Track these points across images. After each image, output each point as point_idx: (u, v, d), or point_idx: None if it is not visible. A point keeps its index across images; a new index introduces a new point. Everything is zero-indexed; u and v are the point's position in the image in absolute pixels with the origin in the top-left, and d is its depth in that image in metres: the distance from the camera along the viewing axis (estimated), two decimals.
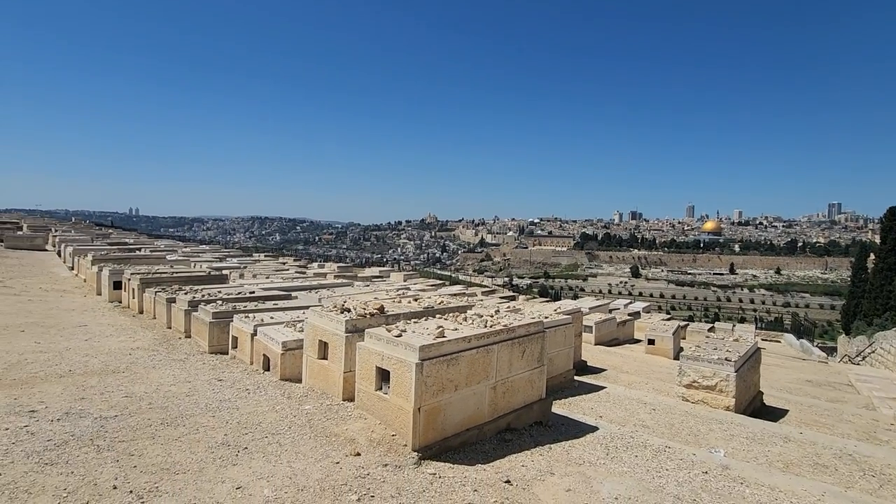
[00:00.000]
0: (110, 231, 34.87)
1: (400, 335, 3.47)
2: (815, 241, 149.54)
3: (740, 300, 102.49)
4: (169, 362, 5.30)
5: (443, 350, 3.34)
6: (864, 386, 9.86)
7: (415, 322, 3.96)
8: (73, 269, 14.01)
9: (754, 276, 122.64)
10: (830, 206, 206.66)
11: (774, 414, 6.36)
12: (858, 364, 16.31)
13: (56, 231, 24.60)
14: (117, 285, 9.43)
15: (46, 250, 20.27)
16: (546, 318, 5.97)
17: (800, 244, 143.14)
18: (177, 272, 9.94)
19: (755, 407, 6.27)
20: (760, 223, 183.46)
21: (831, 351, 25.99)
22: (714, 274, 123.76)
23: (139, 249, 17.65)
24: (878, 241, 37.12)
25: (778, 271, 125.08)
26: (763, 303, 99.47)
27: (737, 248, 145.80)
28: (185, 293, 7.32)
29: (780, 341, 19.92)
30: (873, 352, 16.19)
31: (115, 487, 2.57)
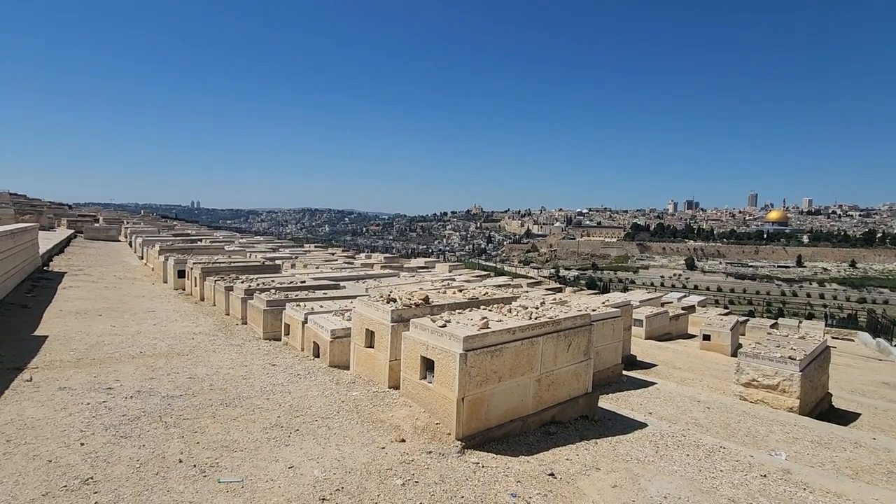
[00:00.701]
0: (174, 223, 37.27)
1: (444, 325, 3.50)
2: None
3: (808, 295, 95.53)
4: (227, 347, 5.62)
5: (486, 341, 3.34)
6: None
7: (459, 313, 3.98)
8: (142, 258, 15.09)
9: (825, 269, 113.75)
10: None
11: (844, 417, 5.92)
12: None
13: (127, 223, 26.56)
14: (181, 274, 10.08)
15: (119, 241, 21.94)
16: (593, 310, 5.84)
17: (879, 235, 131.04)
18: (234, 262, 10.48)
19: (822, 409, 5.86)
20: (833, 212, 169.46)
21: None
22: (779, 267, 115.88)
23: (200, 240, 18.75)
24: None
25: (853, 264, 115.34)
26: (835, 298, 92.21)
27: (805, 238, 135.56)
28: (242, 282, 7.71)
29: (853, 340, 18.44)
30: None
31: (180, 461, 2.77)
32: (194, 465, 2.73)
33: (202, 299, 8.84)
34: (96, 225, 24.55)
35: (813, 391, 5.57)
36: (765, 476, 3.20)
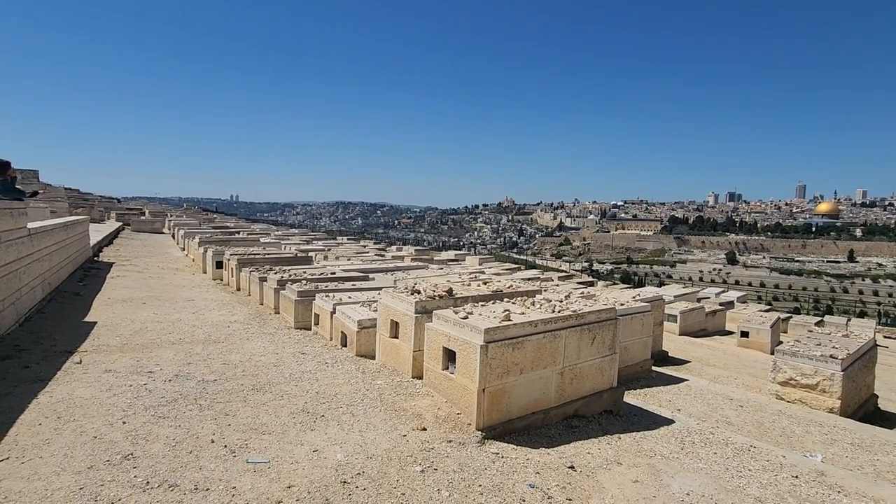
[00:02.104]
0: (214, 216, 38.71)
1: (466, 317, 3.52)
2: None
3: (860, 292, 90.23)
4: (260, 335, 5.83)
5: (508, 333, 3.35)
6: None
7: (482, 305, 4.00)
8: (184, 249, 15.78)
9: (879, 264, 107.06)
10: None
11: (891, 420, 5.62)
12: None
13: (171, 216, 27.78)
14: (219, 265, 10.49)
15: (163, 233, 23.00)
16: (622, 305, 5.75)
17: None
18: (268, 254, 10.83)
19: (866, 411, 5.58)
20: (890, 204, 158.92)
21: None
22: (828, 262, 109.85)
23: (238, 232, 19.43)
24: None
25: None
26: (890, 296, 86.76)
27: (858, 232, 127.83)
28: (275, 273, 7.96)
29: None
30: None
31: (212, 441, 2.92)
32: (225, 446, 2.87)
33: (238, 289, 9.18)
34: (142, 218, 25.81)
35: (856, 392, 5.30)
36: (796, 477, 3.09)
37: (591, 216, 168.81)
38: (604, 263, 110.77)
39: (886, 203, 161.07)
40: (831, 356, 5.05)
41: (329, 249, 17.13)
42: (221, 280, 10.26)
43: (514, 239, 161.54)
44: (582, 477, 2.89)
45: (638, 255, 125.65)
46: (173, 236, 19.97)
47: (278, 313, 7.12)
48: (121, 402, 3.47)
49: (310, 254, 13.63)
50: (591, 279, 24.73)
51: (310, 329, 6.25)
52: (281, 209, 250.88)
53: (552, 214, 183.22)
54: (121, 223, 23.75)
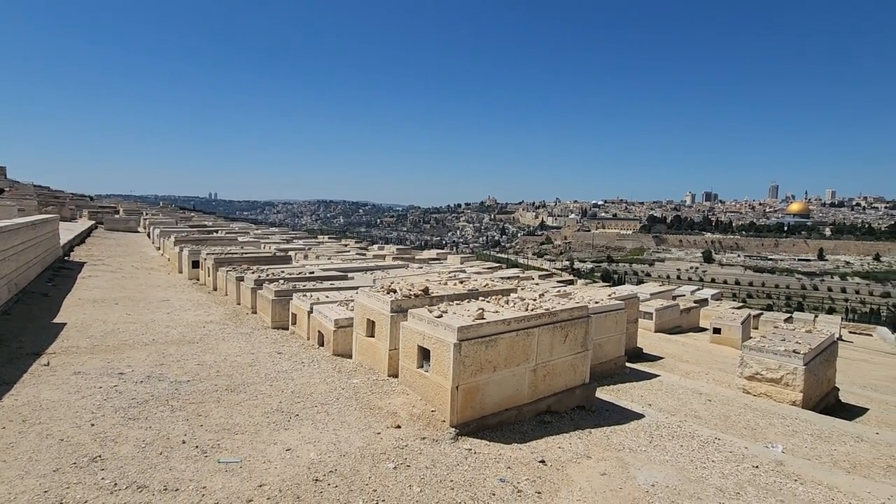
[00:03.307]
0: (192, 214, 37.96)
1: (440, 316, 3.57)
2: None
3: (829, 289, 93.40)
4: (236, 335, 5.78)
5: (481, 332, 3.40)
6: None
7: (457, 304, 4.05)
8: (159, 249, 15.46)
9: (847, 262, 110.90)
10: None
11: (851, 412, 5.86)
12: None
13: (146, 214, 27.16)
14: (195, 264, 10.31)
15: (138, 232, 22.46)
16: (596, 303, 5.86)
17: None
18: (246, 253, 10.69)
19: (828, 404, 5.82)
20: (857, 204, 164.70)
21: None
22: (799, 260, 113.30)
23: (216, 231, 19.12)
24: None
25: (877, 258, 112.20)
26: (857, 292, 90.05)
27: (827, 231, 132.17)
28: (253, 272, 7.88)
29: (871, 335, 18.09)
30: None
31: (184, 442, 2.90)
32: (197, 447, 2.86)
33: (215, 289, 9.05)
34: (116, 216, 25.16)
35: (817, 385, 5.52)
36: (757, 467, 3.21)
37: (573, 215, 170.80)
38: (585, 262, 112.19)
39: (854, 203, 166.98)
40: (794, 351, 5.25)
41: (309, 248, 16.99)
42: (198, 280, 10.10)
43: (497, 238, 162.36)
44: (552, 471, 2.96)
45: (618, 253, 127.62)
46: (149, 235, 19.53)
47: (255, 313, 7.06)
48: (89, 404, 3.42)
49: (289, 253, 13.50)
50: (571, 278, 25.06)
51: (287, 329, 6.21)
52: (261, 207, 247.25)
53: (534, 213, 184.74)
54: (93, 222, 23.11)
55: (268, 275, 7.72)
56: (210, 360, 4.65)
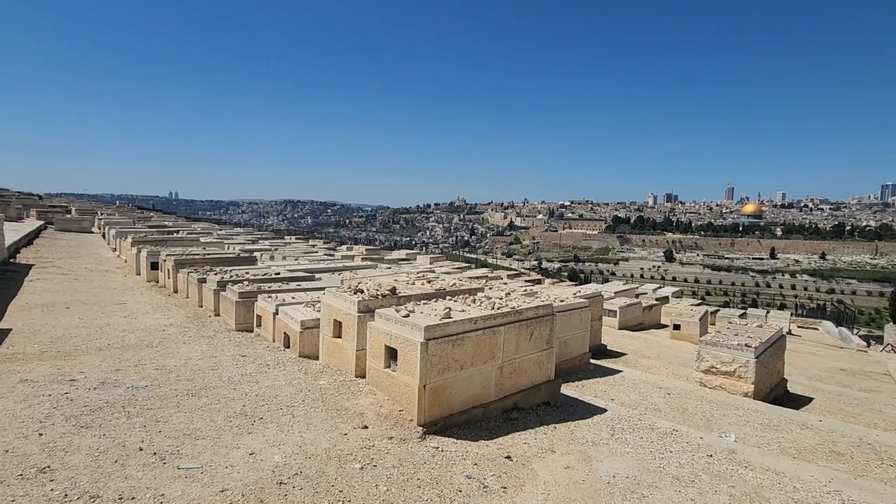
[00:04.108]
0: (151, 214, 36.47)
1: (407, 315, 3.57)
2: (864, 224, 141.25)
3: (780, 286, 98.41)
4: (198, 339, 5.61)
5: (448, 330, 3.43)
6: None
7: (424, 303, 4.06)
8: (115, 250, 14.80)
9: (796, 261, 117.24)
10: (884, 188, 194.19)
11: (798, 401, 6.21)
12: None
13: (101, 214, 25.92)
14: (154, 266, 9.93)
15: (93, 232, 21.42)
16: (561, 301, 5.99)
17: (848, 228, 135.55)
18: (209, 254, 10.37)
19: (777, 394, 6.14)
20: (805, 206, 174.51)
21: (878, 340, 24.77)
22: (753, 259, 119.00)
23: (177, 232, 18.44)
24: None
25: (823, 256, 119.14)
26: (805, 289, 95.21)
27: (779, 231, 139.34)
28: (216, 274, 7.66)
29: (817, 329, 19.18)
30: None
31: (140, 449, 2.80)
32: (154, 453, 2.76)
33: (175, 291, 8.75)
34: (68, 216, 23.90)
35: (768, 377, 5.82)
36: (711, 456, 3.37)
37: (540, 216, 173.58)
38: (552, 262, 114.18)
39: (802, 205, 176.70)
40: (746, 345, 5.52)
41: (275, 249, 16.62)
42: (157, 282, 9.73)
43: (466, 238, 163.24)
44: (517, 466, 3.01)
45: (584, 253, 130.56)
46: (104, 236, 18.66)
47: (218, 315, 6.86)
48: (37, 413, 3.25)
49: (254, 254, 13.18)
50: (539, 277, 25.45)
51: (251, 331, 6.07)
52: (225, 207, 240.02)
53: (503, 214, 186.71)
54: (42, 222, 21.87)
55: (232, 276, 7.52)
56: (170, 365, 4.50)
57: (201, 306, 7.49)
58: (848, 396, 7.01)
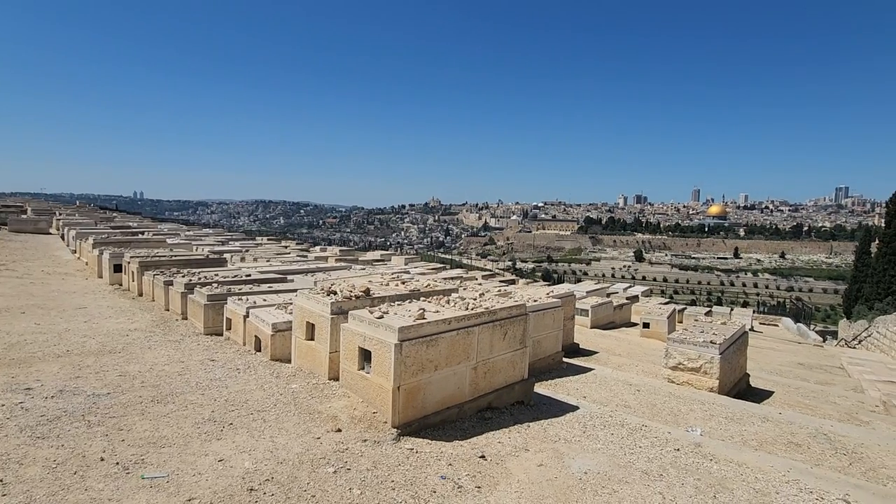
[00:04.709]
0: (114, 215, 35.09)
1: (381, 317, 3.55)
2: (820, 225, 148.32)
3: (744, 284, 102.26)
4: (164, 343, 5.43)
5: (422, 332, 3.43)
6: (856, 369, 9.94)
7: (398, 304, 4.04)
8: (75, 252, 14.18)
9: (758, 260, 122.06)
10: (837, 190, 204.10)
11: (759, 395, 6.46)
12: (854, 348, 16.38)
13: (60, 215, 24.79)
14: (117, 268, 9.57)
15: (50, 234, 20.48)
16: (535, 301, 6.07)
17: (805, 228, 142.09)
18: (176, 255, 10.06)
19: (740, 389, 6.37)
20: (766, 207, 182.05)
21: (833, 335, 26.05)
22: (718, 258, 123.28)
23: (142, 233, 17.81)
24: (883, 225, 36.83)
25: (782, 256, 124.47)
26: (766, 287, 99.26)
27: (742, 232, 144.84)
28: (183, 276, 7.44)
29: (777, 325, 20.00)
30: (869, 335, 16.25)
31: (102, 459, 2.70)
32: (117, 463, 2.66)
33: (140, 295, 8.46)
34: (23, 216, 22.77)
35: (732, 372, 6.04)
36: (678, 450, 3.47)
37: (514, 217, 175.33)
38: (526, 262, 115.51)
39: (763, 206, 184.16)
40: (711, 342, 5.71)
41: (247, 250, 16.26)
42: (120, 285, 9.38)
43: (441, 239, 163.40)
44: (492, 465, 3.04)
45: (557, 253, 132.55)
46: (63, 237, 17.85)
47: (186, 319, 6.67)
48: None
49: (224, 255, 12.86)
50: (513, 277, 25.70)
51: (221, 335, 5.92)
52: (193, 208, 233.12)
53: (477, 215, 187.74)
54: None
55: (200, 278, 7.32)
56: (134, 371, 4.34)
57: (168, 310, 7.27)
58: (805, 389, 7.34)
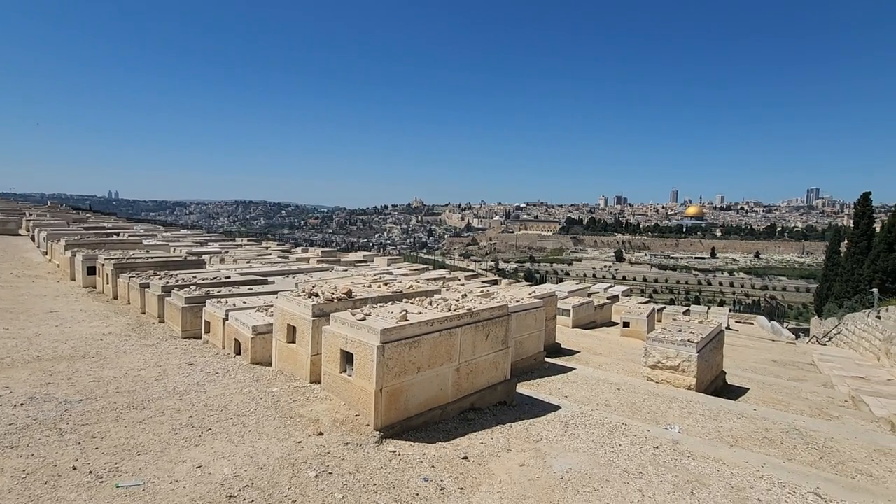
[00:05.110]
0: (88, 215, 34.10)
1: (363, 319, 3.53)
2: (793, 225, 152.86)
3: (720, 284, 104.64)
4: (140, 347, 5.31)
5: (404, 333, 3.42)
6: (826, 365, 10.26)
7: (380, 306, 4.03)
8: (46, 254, 13.75)
9: (734, 259, 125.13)
10: (809, 192, 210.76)
11: (735, 392, 6.63)
12: (825, 344, 16.91)
13: (30, 215, 24.00)
14: (91, 270, 9.32)
15: (20, 235, 19.82)
16: (517, 301, 6.11)
17: (779, 229, 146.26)
18: (152, 257, 9.84)
19: (717, 386, 6.52)
20: (741, 208, 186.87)
21: (805, 332, 26.85)
22: (696, 258, 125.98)
23: (117, 234, 17.36)
24: (851, 225, 38.12)
25: (757, 255, 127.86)
26: (742, 286, 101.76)
27: (718, 232, 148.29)
28: (160, 278, 7.28)
29: (752, 323, 20.53)
30: (839, 332, 16.80)
31: (74, 468, 2.62)
32: (90, 472, 2.59)
33: (115, 298, 8.25)
34: None
35: (708, 370, 6.18)
36: (657, 447, 3.54)
37: (497, 217, 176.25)
38: (509, 262, 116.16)
39: (739, 207, 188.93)
40: (689, 340, 5.84)
41: (226, 252, 15.98)
42: (94, 288, 9.12)
43: (424, 239, 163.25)
44: (474, 466, 3.05)
45: (540, 254, 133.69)
46: (33, 238, 17.29)
47: (163, 322, 6.53)
48: None
49: (203, 257, 12.62)
50: (496, 278, 25.79)
51: (200, 338, 5.81)
52: (171, 208, 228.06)
53: (460, 215, 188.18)
54: None
55: (178, 280, 7.17)
56: (108, 376, 4.23)
57: (144, 313, 7.10)
58: (779, 386, 7.55)
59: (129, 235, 17.17)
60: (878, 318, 14.27)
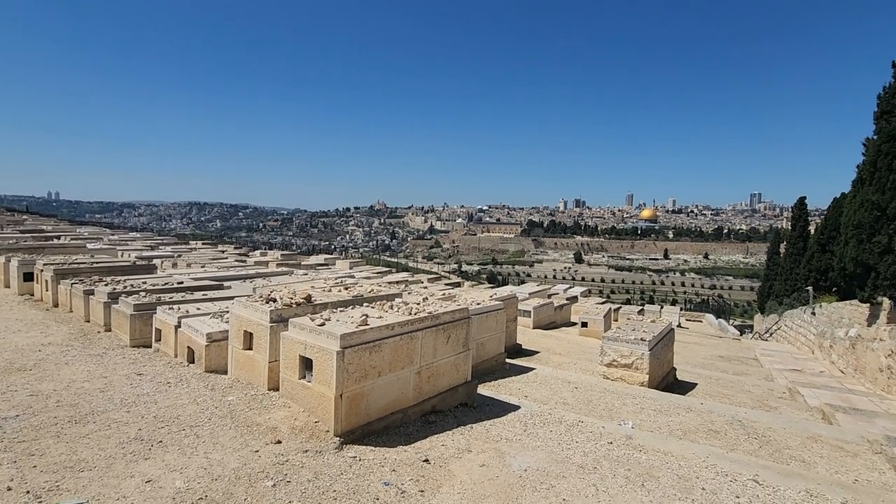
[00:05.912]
0: (25, 217, 31.84)
1: (323, 324, 3.50)
2: (738, 228, 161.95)
3: (672, 284, 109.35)
4: (84, 358, 5.02)
5: (365, 338, 3.41)
6: (767, 359, 10.94)
7: (340, 311, 4.00)
8: None
9: (685, 260, 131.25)
10: (752, 196, 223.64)
11: (685, 387, 6.96)
12: (767, 340, 18.01)
13: None
14: (28, 277, 8.73)
15: None
16: (478, 304, 6.19)
17: (725, 231, 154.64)
18: (97, 262, 9.32)
19: (668, 382, 6.83)
20: (692, 211, 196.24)
21: (749, 329, 28.47)
22: (650, 259, 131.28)
23: (57, 237, 16.32)
24: (790, 227, 40.71)
25: (706, 256, 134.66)
26: (692, 286, 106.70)
27: (671, 234, 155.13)
28: (106, 284, 6.92)
29: (701, 321, 21.57)
30: (779, 328, 17.93)
31: (9, 489, 2.46)
32: (27, 492, 2.44)
33: (56, 305, 7.76)
34: None
35: (660, 367, 6.46)
36: (611, 443, 3.68)
37: (460, 220, 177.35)
38: (472, 265, 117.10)
39: (689, 210, 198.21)
40: (641, 339, 6.09)
41: (179, 256, 15.34)
42: (32, 295, 8.55)
43: (387, 242, 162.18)
44: (435, 468, 3.07)
45: (502, 256, 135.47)
46: None
47: (109, 331, 6.20)
48: None
49: (154, 261, 12.08)
50: (459, 280, 25.97)
51: (150, 347, 5.56)
52: (118, 209, 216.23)
53: (423, 218, 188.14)
54: None
55: (126, 286, 6.84)
56: (48, 389, 3.99)
57: (88, 321, 6.72)
58: (725, 380, 7.99)
59: (72, 239, 16.18)
60: (814, 314, 15.34)
